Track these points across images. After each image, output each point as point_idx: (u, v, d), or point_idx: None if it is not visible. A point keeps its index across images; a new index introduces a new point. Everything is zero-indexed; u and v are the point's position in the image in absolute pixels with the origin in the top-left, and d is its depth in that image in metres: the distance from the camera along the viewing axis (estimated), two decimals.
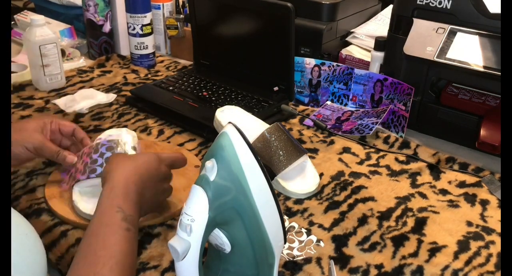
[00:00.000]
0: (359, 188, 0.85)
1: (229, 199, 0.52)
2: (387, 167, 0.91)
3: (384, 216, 0.78)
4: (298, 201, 0.82)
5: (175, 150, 0.93)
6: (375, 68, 1.14)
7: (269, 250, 0.57)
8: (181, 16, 1.36)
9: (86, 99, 1.12)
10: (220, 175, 0.52)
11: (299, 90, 1.17)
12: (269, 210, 0.55)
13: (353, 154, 0.95)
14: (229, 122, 0.54)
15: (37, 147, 0.77)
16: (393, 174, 0.90)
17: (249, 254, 0.56)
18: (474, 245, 0.73)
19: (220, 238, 0.55)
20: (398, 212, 0.79)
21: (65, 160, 0.79)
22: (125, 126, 1.03)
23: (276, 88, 1.11)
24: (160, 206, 0.74)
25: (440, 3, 0.94)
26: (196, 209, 0.52)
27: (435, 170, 0.91)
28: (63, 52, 1.29)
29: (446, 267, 0.69)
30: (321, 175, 0.88)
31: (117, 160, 0.68)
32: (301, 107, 1.14)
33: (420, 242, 0.73)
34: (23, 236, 0.55)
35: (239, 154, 0.52)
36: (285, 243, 0.59)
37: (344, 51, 1.25)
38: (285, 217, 0.77)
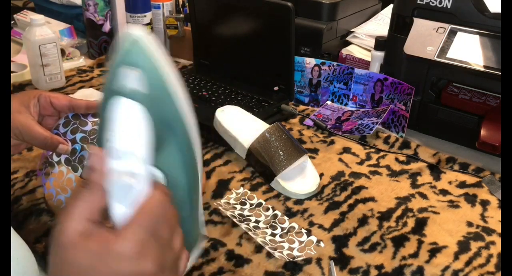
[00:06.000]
0: (359, 188, 0.85)
1: (161, 113, 0.43)
2: (387, 167, 0.91)
3: (384, 216, 0.78)
4: (298, 202, 0.81)
5: None
6: (375, 68, 1.14)
7: (197, 180, 0.49)
8: (181, 15, 1.35)
9: (86, 99, 1.11)
10: (149, 84, 0.42)
11: (299, 90, 1.17)
12: (193, 122, 0.47)
13: (353, 154, 0.95)
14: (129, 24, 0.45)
15: (23, 132, 0.61)
16: (393, 174, 0.89)
17: (183, 185, 0.47)
18: (474, 245, 0.73)
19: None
20: (398, 212, 0.79)
21: (57, 149, 0.65)
22: None
23: (276, 88, 1.11)
24: None
25: (440, 2, 0.94)
26: (134, 136, 0.41)
27: (435, 170, 0.90)
28: (63, 52, 1.28)
29: (447, 267, 0.69)
30: (321, 175, 0.88)
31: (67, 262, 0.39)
32: (301, 107, 1.13)
33: (420, 242, 0.73)
34: (14, 261, 0.49)
35: (159, 58, 0.43)
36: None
37: (344, 51, 1.25)
38: (285, 218, 0.77)
